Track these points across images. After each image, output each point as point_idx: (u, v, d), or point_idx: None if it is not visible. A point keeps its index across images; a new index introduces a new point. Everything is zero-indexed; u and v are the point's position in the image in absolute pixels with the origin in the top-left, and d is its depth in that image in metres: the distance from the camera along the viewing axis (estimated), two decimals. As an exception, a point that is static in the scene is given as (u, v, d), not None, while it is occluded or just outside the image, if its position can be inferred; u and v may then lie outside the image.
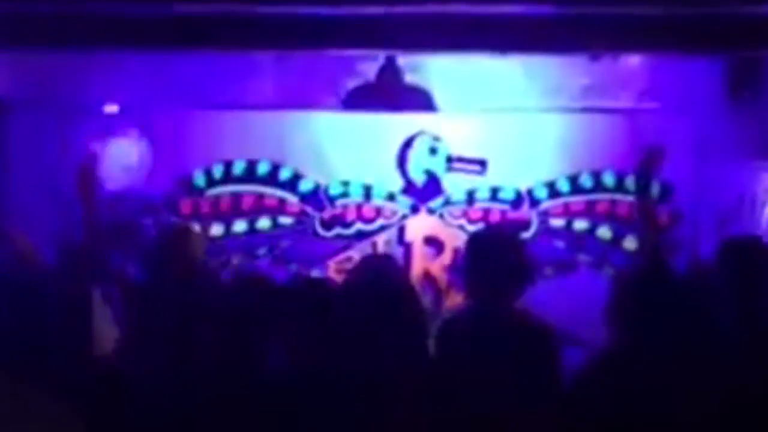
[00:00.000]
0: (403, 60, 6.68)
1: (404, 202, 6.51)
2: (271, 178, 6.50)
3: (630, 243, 6.36)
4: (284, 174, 6.50)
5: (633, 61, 6.84)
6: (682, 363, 3.78)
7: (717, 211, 6.49)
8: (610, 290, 4.27)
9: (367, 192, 6.50)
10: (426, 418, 3.65)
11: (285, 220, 6.51)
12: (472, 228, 6.49)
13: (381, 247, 6.49)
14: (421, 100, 6.68)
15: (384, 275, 4.64)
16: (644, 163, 4.94)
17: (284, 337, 3.88)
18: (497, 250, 4.28)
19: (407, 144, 6.53)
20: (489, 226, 6.33)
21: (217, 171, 6.52)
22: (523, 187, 6.52)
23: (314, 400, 3.60)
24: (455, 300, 6.31)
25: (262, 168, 6.51)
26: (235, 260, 6.44)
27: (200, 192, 6.50)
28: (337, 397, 3.62)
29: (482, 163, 6.51)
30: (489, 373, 3.82)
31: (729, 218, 6.48)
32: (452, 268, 6.43)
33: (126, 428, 3.66)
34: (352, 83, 6.77)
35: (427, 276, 6.42)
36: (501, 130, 6.57)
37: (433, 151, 6.51)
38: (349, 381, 3.65)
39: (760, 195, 6.54)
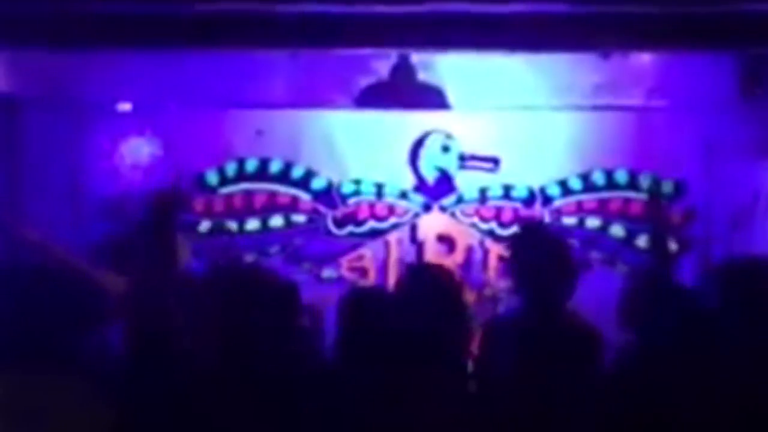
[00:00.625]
0: (416, 58, 6.68)
1: (417, 200, 6.52)
2: (284, 177, 6.51)
3: (642, 241, 6.37)
4: (297, 172, 6.51)
5: (644, 58, 6.83)
6: (688, 365, 3.79)
7: (730, 209, 6.49)
8: (621, 289, 4.29)
9: (380, 190, 6.51)
10: (472, 418, 3.67)
11: (298, 218, 6.52)
12: (484, 226, 6.51)
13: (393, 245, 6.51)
14: (433, 99, 6.69)
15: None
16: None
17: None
18: (548, 248, 4.26)
19: (420, 142, 6.54)
20: (531, 224, 6.30)
21: (230, 169, 6.53)
22: (535, 185, 6.53)
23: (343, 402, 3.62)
24: (468, 298, 6.32)
25: (275, 166, 6.52)
26: (249, 258, 6.44)
27: (213, 190, 6.52)
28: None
29: (495, 161, 6.52)
30: (540, 374, 3.84)
31: (742, 217, 6.48)
32: (465, 266, 6.45)
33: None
34: (365, 81, 6.77)
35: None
36: (513, 128, 6.58)
37: (445, 149, 6.52)
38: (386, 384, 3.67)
39: (771, 193, 6.54)
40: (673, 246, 6.15)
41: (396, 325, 3.87)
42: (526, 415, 3.80)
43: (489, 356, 4.20)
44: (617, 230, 6.53)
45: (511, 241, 4.72)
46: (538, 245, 4.30)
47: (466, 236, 6.51)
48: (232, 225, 6.51)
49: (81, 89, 6.60)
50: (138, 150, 6.58)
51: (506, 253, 6.20)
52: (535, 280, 4.19)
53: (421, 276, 4.42)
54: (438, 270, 4.50)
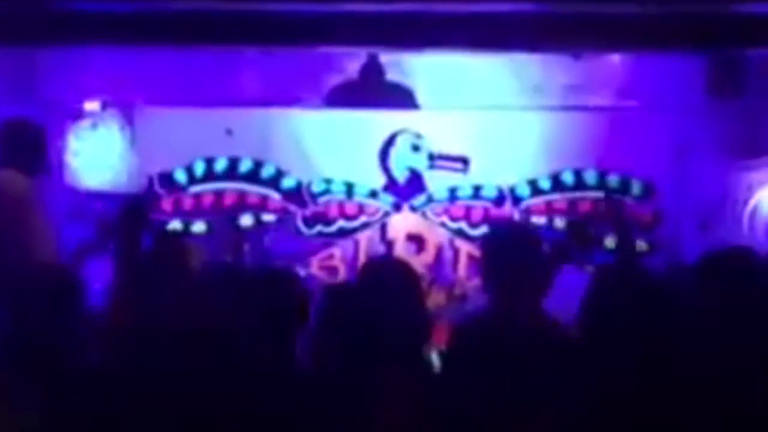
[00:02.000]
0: (385, 58, 6.68)
1: (387, 200, 6.51)
2: (254, 176, 6.48)
3: (611, 242, 6.37)
4: (267, 171, 6.49)
5: (614, 59, 6.86)
6: (657, 361, 3.79)
7: (699, 210, 6.51)
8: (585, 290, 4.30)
9: (350, 189, 6.50)
10: (441, 420, 3.66)
11: (267, 217, 6.50)
12: (454, 225, 6.50)
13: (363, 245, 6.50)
14: (403, 98, 6.68)
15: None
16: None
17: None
18: (520, 248, 4.25)
19: (390, 141, 6.53)
20: (506, 224, 6.30)
21: (199, 168, 6.50)
22: (505, 185, 6.53)
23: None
24: (437, 297, 6.33)
25: (245, 165, 6.49)
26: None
27: (182, 189, 6.49)
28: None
29: (464, 161, 6.51)
30: (510, 373, 3.83)
31: (711, 217, 6.50)
32: (434, 266, 6.44)
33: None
34: (334, 81, 6.77)
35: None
36: (483, 128, 6.58)
37: (415, 148, 6.51)
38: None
39: (742, 194, 6.56)
40: (641, 244, 6.22)
41: (354, 321, 3.87)
42: (495, 414, 3.79)
43: (459, 354, 4.19)
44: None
45: (484, 241, 4.71)
46: (510, 245, 4.30)
47: (436, 235, 6.51)
48: (201, 225, 6.49)
49: (49, 87, 6.58)
50: (105, 148, 6.56)
51: (478, 253, 6.26)
52: (506, 279, 4.18)
53: (376, 272, 4.43)
54: (394, 265, 4.50)
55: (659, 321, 3.81)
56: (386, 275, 4.25)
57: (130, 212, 4.49)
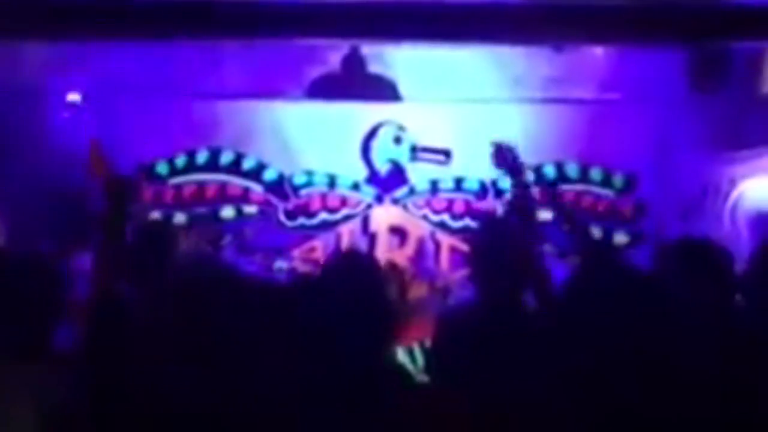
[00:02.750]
0: (367, 50, 6.67)
1: (369, 192, 6.49)
2: (235, 168, 6.46)
3: (594, 233, 6.37)
4: (248, 163, 6.47)
5: (597, 52, 6.85)
6: (641, 350, 3.80)
7: (680, 202, 6.52)
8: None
9: (332, 181, 6.48)
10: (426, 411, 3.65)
11: (249, 209, 6.48)
12: (436, 218, 6.49)
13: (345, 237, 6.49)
14: (385, 90, 6.68)
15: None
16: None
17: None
18: (508, 240, 4.26)
19: (372, 133, 6.51)
20: (493, 218, 6.30)
21: (180, 160, 6.48)
22: (487, 178, 6.51)
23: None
24: (419, 290, 6.32)
25: (226, 157, 6.47)
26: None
27: (163, 180, 6.46)
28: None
29: (446, 153, 6.50)
30: (498, 365, 3.83)
31: (692, 210, 6.51)
32: (416, 258, 6.43)
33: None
34: (316, 73, 6.76)
35: (392, 266, 6.40)
36: (465, 121, 6.56)
37: (397, 140, 6.50)
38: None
39: (724, 186, 6.57)
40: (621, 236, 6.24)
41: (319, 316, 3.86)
42: (483, 405, 3.78)
43: (445, 347, 4.19)
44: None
45: (472, 235, 4.71)
46: (498, 238, 4.31)
47: (417, 228, 6.49)
48: (181, 217, 6.47)
49: (31, 78, 6.55)
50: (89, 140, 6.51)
51: (460, 246, 6.27)
52: (493, 271, 4.19)
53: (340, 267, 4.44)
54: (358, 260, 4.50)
55: (631, 309, 3.83)
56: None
57: (115, 193, 4.47)
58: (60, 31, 5.98)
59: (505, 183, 6.47)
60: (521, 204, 4.74)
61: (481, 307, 4.23)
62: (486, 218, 6.28)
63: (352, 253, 5.13)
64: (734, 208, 6.54)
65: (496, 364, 3.91)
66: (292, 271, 6.36)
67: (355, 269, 4.27)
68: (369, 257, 4.69)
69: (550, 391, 3.74)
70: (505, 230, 4.60)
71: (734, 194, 6.56)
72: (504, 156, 4.79)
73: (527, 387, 3.79)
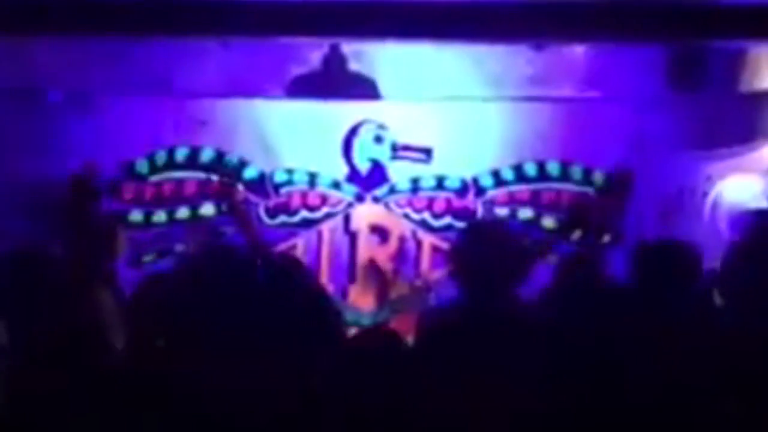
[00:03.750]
0: (347, 48, 6.67)
1: (349, 190, 6.48)
2: (216, 166, 6.44)
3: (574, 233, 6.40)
4: (229, 161, 6.43)
5: (577, 50, 6.88)
6: (621, 350, 3.83)
7: (660, 201, 6.54)
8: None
9: (312, 179, 6.46)
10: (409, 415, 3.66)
11: (230, 207, 6.46)
12: (417, 216, 6.50)
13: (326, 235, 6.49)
14: (365, 89, 6.68)
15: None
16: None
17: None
18: (494, 242, 4.27)
19: (352, 132, 6.49)
20: (480, 220, 6.32)
21: (160, 158, 6.45)
22: (468, 176, 6.52)
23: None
24: (401, 289, 6.33)
25: (206, 155, 6.45)
26: (179, 248, 6.37)
27: (143, 179, 6.44)
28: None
29: (427, 152, 6.50)
30: (480, 364, 3.84)
31: (672, 208, 6.53)
32: (397, 257, 6.43)
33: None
34: (297, 71, 6.76)
35: (373, 265, 6.41)
36: (446, 119, 6.55)
37: (378, 139, 6.49)
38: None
39: (702, 184, 6.60)
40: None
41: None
42: (465, 406, 3.80)
43: (426, 346, 4.19)
44: (549, 222, 6.54)
45: (457, 236, 4.73)
46: (483, 239, 4.32)
47: (399, 226, 6.49)
48: (162, 215, 6.45)
49: (11, 75, 6.53)
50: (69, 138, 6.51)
51: (441, 244, 6.28)
52: (478, 272, 4.20)
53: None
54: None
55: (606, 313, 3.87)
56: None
57: (75, 187, 4.47)
58: (38, 28, 5.96)
59: (487, 181, 6.52)
60: None
61: (463, 305, 4.24)
62: (471, 217, 6.32)
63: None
64: (713, 206, 6.58)
65: (476, 363, 3.92)
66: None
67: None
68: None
69: (530, 390, 3.77)
70: (487, 230, 4.63)
71: (712, 192, 6.60)
72: None
73: (508, 386, 3.81)
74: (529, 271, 4.33)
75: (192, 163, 6.44)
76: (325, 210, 6.48)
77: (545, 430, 3.77)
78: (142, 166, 6.43)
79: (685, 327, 4.06)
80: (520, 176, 6.52)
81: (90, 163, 5.96)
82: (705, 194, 6.57)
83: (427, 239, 6.47)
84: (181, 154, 6.44)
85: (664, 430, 3.77)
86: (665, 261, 4.37)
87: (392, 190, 6.50)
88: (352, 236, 6.48)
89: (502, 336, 4.05)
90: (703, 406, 3.82)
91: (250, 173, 6.46)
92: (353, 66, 6.72)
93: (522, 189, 6.51)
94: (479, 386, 3.83)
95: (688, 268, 4.33)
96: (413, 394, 3.75)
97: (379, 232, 6.50)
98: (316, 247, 6.43)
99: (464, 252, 4.35)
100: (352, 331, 5.17)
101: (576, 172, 6.51)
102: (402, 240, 6.48)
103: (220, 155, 6.43)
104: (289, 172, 6.48)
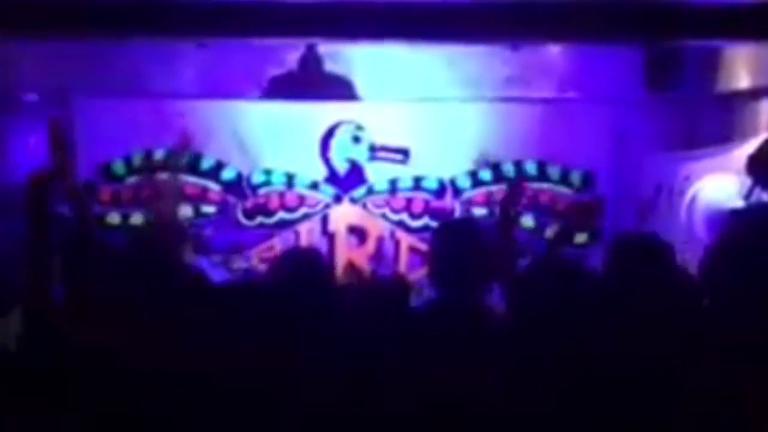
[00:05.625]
0: (324, 49, 6.67)
1: (327, 191, 6.47)
2: (193, 167, 6.42)
3: (552, 232, 6.40)
4: (206, 163, 6.42)
5: (554, 50, 6.89)
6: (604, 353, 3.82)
7: (637, 200, 6.55)
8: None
9: (290, 180, 6.45)
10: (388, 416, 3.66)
11: (207, 208, 6.45)
12: (395, 217, 6.49)
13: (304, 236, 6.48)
14: (342, 89, 6.68)
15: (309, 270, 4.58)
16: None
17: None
18: (467, 241, 4.27)
19: (330, 133, 6.48)
20: (456, 218, 6.31)
21: (137, 159, 6.43)
22: (446, 176, 6.52)
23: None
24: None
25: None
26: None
27: (120, 180, 6.42)
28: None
29: (405, 152, 6.50)
30: (456, 366, 3.83)
31: (649, 208, 6.55)
32: (375, 258, 6.43)
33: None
34: (273, 72, 6.75)
35: (351, 266, 6.40)
36: (423, 120, 6.55)
37: (356, 139, 6.48)
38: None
39: (679, 185, 6.62)
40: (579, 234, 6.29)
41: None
42: (439, 406, 3.79)
43: (404, 348, 4.19)
44: (527, 221, 6.54)
45: (432, 235, 4.72)
46: (458, 238, 4.32)
47: (377, 227, 6.48)
48: (139, 217, 6.42)
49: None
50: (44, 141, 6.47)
51: (419, 245, 6.27)
52: (453, 272, 4.20)
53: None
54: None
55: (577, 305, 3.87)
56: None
57: (34, 184, 4.45)
58: (14, 29, 5.94)
59: (464, 181, 6.52)
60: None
61: (441, 306, 4.24)
62: (446, 217, 6.32)
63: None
64: (690, 206, 6.59)
65: (454, 364, 3.92)
66: (250, 270, 6.35)
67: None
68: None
69: (509, 391, 3.77)
70: (465, 230, 4.63)
71: (690, 192, 6.61)
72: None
73: (485, 388, 3.81)
74: (504, 269, 4.33)
75: (169, 164, 6.42)
76: (303, 211, 6.47)
77: (526, 428, 3.77)
78: (118, 167, 6.41)
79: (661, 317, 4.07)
80: (498, 176, 6.52)
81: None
82: (682, 194, 6.58)
83: (405, 240, 6.47)
84: (158, 155, 6.41)
85: (651, 423, 3.78)
86: (639, 249, 4.39)
87: (370, 191, 6.49)
88: (330, 237, 6.48)
89: (480, 335, 4.05)
90: (683, 400, 3.83)
91: (227, 174, 6.45)
92: (330, 66, 6.72)
93: (500, 189, 6.50)
94: (458, 386, 3.82)
95: (661, 255, 4.34)
96: (389, 395, 3.75)
97: (357, 232, 6.49)
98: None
99: (437, 251, 4.35)
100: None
101: (554, 172, 6.51)
102: (380, 241, 6.48)
103: (196, 157, 6.41)
104: (267, 172, 6.47)
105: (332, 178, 6.49)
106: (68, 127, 6.20)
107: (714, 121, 6.68)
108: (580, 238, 6.41)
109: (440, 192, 6.52)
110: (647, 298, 4.07)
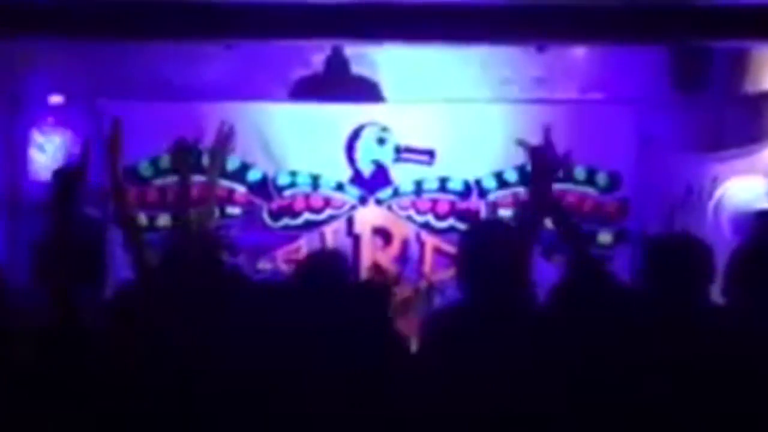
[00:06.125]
0: (350, 51, 6.67)
1: (353, 193, 6.48)
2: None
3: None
4: (232, 164, 6.42)
5: (579, 52, 6.87)
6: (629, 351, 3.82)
7: (664, 202, 6.53)
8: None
9: (315, 182, 6.47)
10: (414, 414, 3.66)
11: (233, 210, 6.46)
12: (420, 219, 6.49)
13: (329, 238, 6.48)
14: (368, 91, 6.68)
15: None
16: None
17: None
18: (497, 241, 4.26)
19: (355, 134, 6.50)
20: (485, 219, 6.31)
21: (164, 161, 6.44)
22: (471, 178, 6.51)
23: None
24: (405, 291, 6.31)
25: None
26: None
27: (146, 181, 6.44)
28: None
29: (430, 154, 6.50)
30: (489, 366, 3.83)
31: (676, 210, 6.52)
32: (401, 259, 6.43)
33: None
34: (299, 74, 6.76)
35: (376, 267, 6.40)
36: (449, 121, 6.56)
37: (381, 141, 6.49)
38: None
39: (707, 186, 6.60)
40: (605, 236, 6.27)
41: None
42: (473, 407, 3.79)
43: (432, 348, 4.18)
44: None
45: (461, 237, 4.71)
46: (487, 240, 4.31)
47: (402, 229, 6.48)
48: (166, 218, 6.43)
49: (14, 80, 6.54)
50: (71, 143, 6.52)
51: (444, 246, 6.27)
52: (483, 273, 4.19)
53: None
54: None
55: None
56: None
57: (61, 182, 4.46)
58: (39, 31, 5.96)
59: (490, 182, 6.51)
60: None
61: (468, 308, 4.23)
62: (474, 218, 6.31)
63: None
64: (717, 207, 6.57)
65: (482, 366, 3.91)
66: (276, 271, 6.36)
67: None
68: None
69: (538, 392, 3.76)
70: (493, 231, 4.62)
71: (717, 193, 6.59)
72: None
73: (514, 388, 3.80)
74: (531, 271, 4.32)
75: (196, 166, 6.42)
76: (328, 212, 6.48)
77: (552, 430, 3.76)
78: (145, 169, 6.44)
79: (695, 326, 4.05)
80: (524, 178, 6.50)
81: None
82: (709, 195, 6.57)
83: (431, 241, 6.47)
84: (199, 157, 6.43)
85: (676, 427, 3.77)
86: (679, 257, 4.33)
87: (395, 193, 6.50)
88: (356, 238, 6.49)
89: (507, 337, 4.04)
90: (708, 404, 3.82)
91: (253, 176, 6.47)
92: (356, 68, 6.71)
93: (525, 191, 6.48)
94: (484, 388, 3.82)
95: (702, 263, 4.29)
96: (416, 395, 3.75)
97: (383, 234, 6.50)
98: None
99: (465, 253, 4.33)
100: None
101: (580, 173, 6.49)
102: (405, 242, 6.48)
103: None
104: (293, 174, 6.48)
105: (357, 179, 6.50)
106: (94, 129, 6.24)
107: (741, 123, 6.66)
108: (605, 238, 6.39)
109: (466, 193, 6.51)
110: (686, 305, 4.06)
